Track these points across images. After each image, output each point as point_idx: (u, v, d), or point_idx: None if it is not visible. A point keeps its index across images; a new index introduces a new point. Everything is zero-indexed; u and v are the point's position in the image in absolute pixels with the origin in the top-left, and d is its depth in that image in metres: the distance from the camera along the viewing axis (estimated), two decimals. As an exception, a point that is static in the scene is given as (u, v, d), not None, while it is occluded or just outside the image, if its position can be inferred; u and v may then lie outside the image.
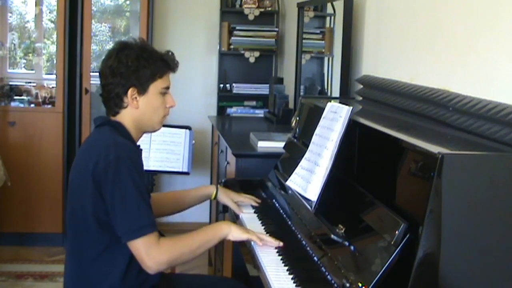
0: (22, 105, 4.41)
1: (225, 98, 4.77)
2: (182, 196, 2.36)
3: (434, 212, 1.38)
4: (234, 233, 1.96)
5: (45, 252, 4.24)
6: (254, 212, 2.34)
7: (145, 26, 4.39)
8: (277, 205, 2.35)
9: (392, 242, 1.47)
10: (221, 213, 2.83)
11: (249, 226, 2.15)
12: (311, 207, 1.96)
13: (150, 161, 3.57)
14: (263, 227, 2.19)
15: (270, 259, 1.87)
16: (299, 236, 1.99)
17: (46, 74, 4.80)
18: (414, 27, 2.41)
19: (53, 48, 4.77)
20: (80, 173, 1.88)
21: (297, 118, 2.57)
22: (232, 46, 4.69)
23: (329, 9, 3.66)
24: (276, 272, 1.78)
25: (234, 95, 4.76)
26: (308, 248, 1.87)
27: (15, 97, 4.47)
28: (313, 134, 2.08)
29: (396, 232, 1.47)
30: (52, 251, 4.25)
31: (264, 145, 2.89)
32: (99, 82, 2.00)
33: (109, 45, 4.94)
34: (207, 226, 2.03)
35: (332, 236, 1.76)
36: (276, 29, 4.74)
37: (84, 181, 1.83)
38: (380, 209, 1.63)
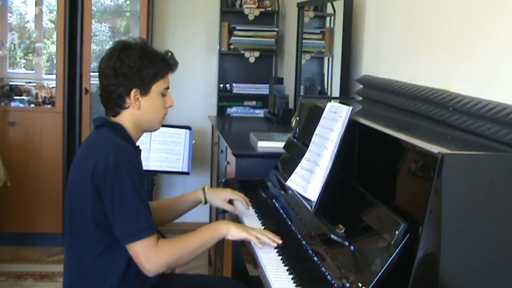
0: (22, 105, 4.41)
1: (225, 98, 4.77)
2: (174, 203, 2.32)
3: (434, 212, 1.38)
4: (233, 232, 1.95)
5: (45, 252, 4.24)
6: (255, 212, 2.34)
7: (145, 26, 4.39)
8: (277, 205, 2.35)
9: (392, 242, 1.47)
10: (221, 213, 2.83)
11: (249, 225, 2.14)
12: (311, 207, 1.96)
13: (150, 161, 3.57)
14: (263, 227, 2.18)
15: (270, 259, 1.86)
16: (299, 236, 1.99)
17: (46, 74, 4.80)
18: (414, 27, 2.41)
19: (53, 48, 4.77)
20: (79, 173, 1.87)
21: (297, 118, 2.57)
22: (232, 46, 4.69)
23: (329, 9, 3.66)
24: (276, 272, 1.77)
25: (234, 95, 4.76)
26: (308, 248, 1.87)
27: (15, 97, 4.47)
28: (313, 134, 2.08)
29: (396, 232, 1.47)
30: (52, 251, 4.24)
31: (264, 145, 2.89)
32: (98, 82, 1.98)
33: (109, 45, 4.92)
34: (206, 226, 2.01)
35: (332, 236, 1.76)
36: (276, 29, 4.74)
37: (83, 182, 1.83)
38: (380, 209, 1.63)
